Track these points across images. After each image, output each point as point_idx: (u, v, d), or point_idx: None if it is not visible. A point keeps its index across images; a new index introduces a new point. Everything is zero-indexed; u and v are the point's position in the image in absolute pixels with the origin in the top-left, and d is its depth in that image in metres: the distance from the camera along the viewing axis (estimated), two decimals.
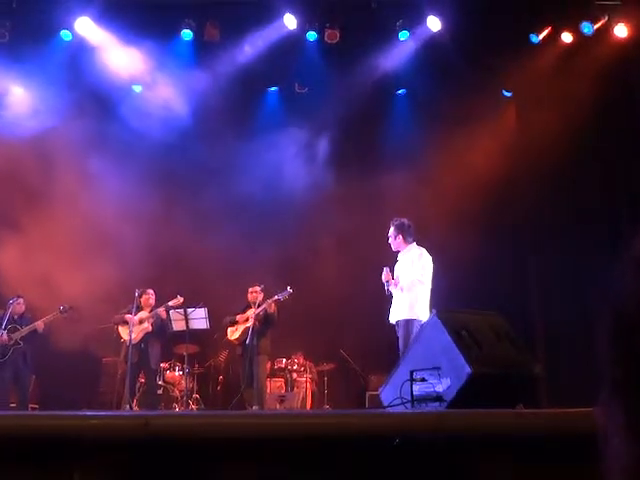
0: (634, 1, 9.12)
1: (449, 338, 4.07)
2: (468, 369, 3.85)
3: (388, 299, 6.73)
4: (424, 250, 6.76)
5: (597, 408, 0.68)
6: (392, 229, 6.84)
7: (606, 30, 9.53)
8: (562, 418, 2.73)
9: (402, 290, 6.58)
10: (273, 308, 8.27)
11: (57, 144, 9.12)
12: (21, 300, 8.24)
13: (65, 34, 9.49)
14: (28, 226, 8.88)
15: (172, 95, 9.92)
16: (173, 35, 9.71)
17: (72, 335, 8.49)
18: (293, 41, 9.79)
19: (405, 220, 6.85)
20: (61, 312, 8.20)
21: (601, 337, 0.65)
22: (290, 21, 9.63)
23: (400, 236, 6.79)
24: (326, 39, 9.74)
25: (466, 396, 3.83)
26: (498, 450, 2.46)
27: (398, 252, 6.88)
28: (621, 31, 9.42)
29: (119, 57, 9.68)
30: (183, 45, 9.82)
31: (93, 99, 9.60)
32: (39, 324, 8.14)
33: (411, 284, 6.54)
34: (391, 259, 6.94)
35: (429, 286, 6.63)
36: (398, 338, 6.58)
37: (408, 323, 6.41)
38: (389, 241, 6.87)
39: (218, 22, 9.62)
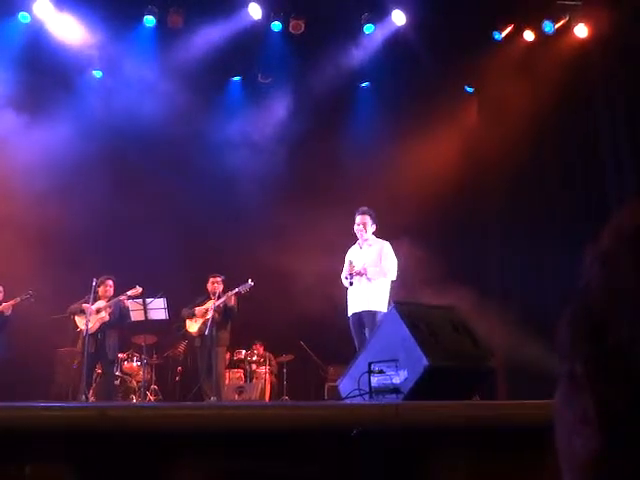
0: (594, 2, 9.27)
1: (407, 331, 4.11)
2: (425, 361, 3.89)
3: (346, 291, 6.71)
4: (387, 243, 6.73)
5: (555, 402, 0.68)
6: (367, 217, 6.71)
7: (567, 29, 9.69)
8: (516, 409, 2.78)
9: (369, 281, 6.53)
10: (233, 301, 8.20)
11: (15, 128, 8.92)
12: None
13: (23, 16, 9.25)
14: None
15: (132, 82, 9.74)
16: (135, 21, 9.55)
17: (26, 325, 8.31)
18: (257, 31, 9.73)
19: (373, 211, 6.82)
20: (24, 298, 8.04)
21: (566, 334, 0.64)
22: (255, 10, 9.55)
23: (375, 226, 6.75)
24: (291, 30, 9.71)
25: (423, 388, 3.88)
26: (453, 440, 2.49)
27: (359, 241, 6.77)
28: (581, 31, 9.58)
29: (79, 42, 9.47)
30: (146, 31, 9.67)
31: (51, 84, 9.39)
32: (6, 307, 7.95)
33: (377, 276, 6.53)
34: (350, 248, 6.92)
35: (393, 279, 6.62)
36: (352, 329, 6.58)
37: (373, 314, 6.39)
38: (359, 228, 6.71)
39: (182, 9, 9.49)
